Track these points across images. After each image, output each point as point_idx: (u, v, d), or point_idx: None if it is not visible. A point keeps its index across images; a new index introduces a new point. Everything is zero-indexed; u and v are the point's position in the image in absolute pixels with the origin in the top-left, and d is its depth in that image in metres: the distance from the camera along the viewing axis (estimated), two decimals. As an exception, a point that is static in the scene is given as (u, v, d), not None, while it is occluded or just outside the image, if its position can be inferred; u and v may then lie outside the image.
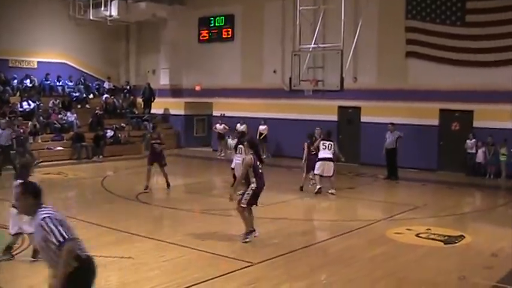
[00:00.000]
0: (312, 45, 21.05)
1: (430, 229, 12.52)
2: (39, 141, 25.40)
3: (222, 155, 27.10)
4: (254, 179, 10.88)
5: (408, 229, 12.58)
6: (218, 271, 9.18)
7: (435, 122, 23.05)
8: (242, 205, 10.93)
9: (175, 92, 31.33)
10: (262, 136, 26.32)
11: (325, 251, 11.00)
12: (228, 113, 28.30)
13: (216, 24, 29.72)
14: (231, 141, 23.02)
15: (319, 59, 21.01)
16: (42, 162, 23.40)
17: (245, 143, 11.73)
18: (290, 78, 21.15)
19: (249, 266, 9.54)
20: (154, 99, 31.24)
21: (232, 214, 12.59)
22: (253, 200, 11.02)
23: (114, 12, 29.23)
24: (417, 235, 12.09)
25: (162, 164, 17.68)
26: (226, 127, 27.46)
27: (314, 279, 9.19)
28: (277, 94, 26.11)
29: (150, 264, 9.55)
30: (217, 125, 28.25)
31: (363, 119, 24.68)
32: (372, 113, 23.97)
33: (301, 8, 21.10)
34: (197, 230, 12.17)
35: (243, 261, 9.77)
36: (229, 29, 29.21)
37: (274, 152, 26.47)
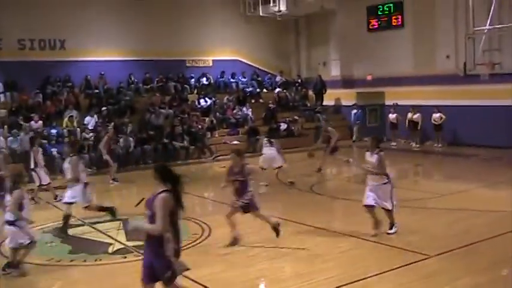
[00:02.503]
0: (487, 27, 20.04)
1: None
2: (216, 136, 26.62)
3: (394, 144, 26.62)
4: None
5: None
6: (393, 264, 9.04)
7: None
8: None
9: (346, 82, 31.24)
10: (437, 124, 25.48)
11: (508, 245, 10.27)
12: (400, 102, 27.69)
13: (385, 12, 29.24)
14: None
15: (495, 40, 20.01)
16: (219, 156, 24.45)
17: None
18: (464, 63, 20.35)
19: (425, 259, 9.28)
20: (325, 91, 31.37)
21: (412, 206, 12.33)
22: None
23: (283, 7, 29.77)
24: None
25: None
26: (399, 116, 26.96)
27: (496, 274, 8.69)
28: (451, 80, 25.01)
29: (325, 256, 9.63)
30: (390, 115, 27.81)
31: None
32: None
33: (474, -13, 20.20)
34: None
35: (419, 253, 9.53)
36: (399, 16, 28.57)
37: (450, 140, 25.50)
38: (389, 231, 10.75)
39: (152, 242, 6.38)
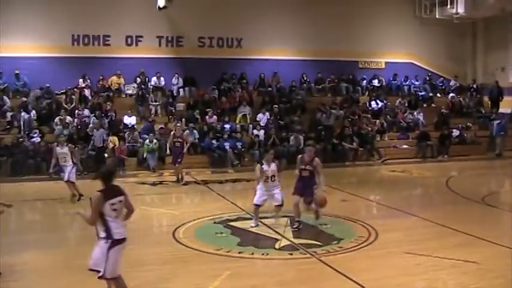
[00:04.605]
0: None
1: None
2: (386, 139, 26.33)
3: None
4: None
5: None
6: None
7: None
8: None
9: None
10: None
11: None
12: None
13: None
14: None
15: None
16: (388, 159, 24.21)
17: None
18: None
19: None
20: (502, 98, 29.86)
21: None
22: None
23: (460, 9, 28.84)
24: None
25: None
26: None
27: None
28: None
29: (497, 271, 9.21)
30: None
31: None
32: None
33: None
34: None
35: None
36: None
37: None
38: None
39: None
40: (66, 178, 15.13)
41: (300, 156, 12.61)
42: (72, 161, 15.27)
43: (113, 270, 7.11)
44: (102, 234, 7.13)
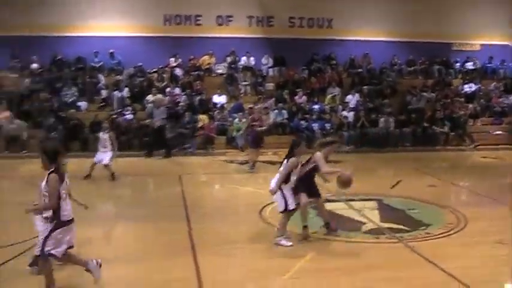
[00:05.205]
0: None
1: None
2: (479, 124, 25.53)
3: None
4: None
5: None
6: None
7: None
8: None
9: None
10: None
11: None
12: None
13: None
14: None
15: None
16: (479, 145, 23.53)
17: None
18: None
19: None
20: None
21: None
22: None
23: None
24: None
25: None
26: None
27: None
28: None
29: None
30: None
31: None
32: None
33: None
34: None
35: None
36: None
37: None
38: None
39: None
40: (104, 162, 15.56)
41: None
42: (112, 148, 15.69)
43: (56, 250, 7.05)
44: (46, 214, 7.12)
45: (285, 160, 9.68)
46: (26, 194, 12.10)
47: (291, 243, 9.56)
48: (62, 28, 25.33)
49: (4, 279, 7.89)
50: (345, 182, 9.93)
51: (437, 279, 8.15)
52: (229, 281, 8.13)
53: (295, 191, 9.76)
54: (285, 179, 9.58)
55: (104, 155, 15.57)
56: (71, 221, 7.17)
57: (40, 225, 7.46)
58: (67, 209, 7.12)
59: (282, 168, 9.65)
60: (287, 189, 9.60)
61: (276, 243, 9.57)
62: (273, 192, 9.59)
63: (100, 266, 7.50)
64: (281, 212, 9.71)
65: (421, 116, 24.43)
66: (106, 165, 15.49)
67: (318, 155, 10.00)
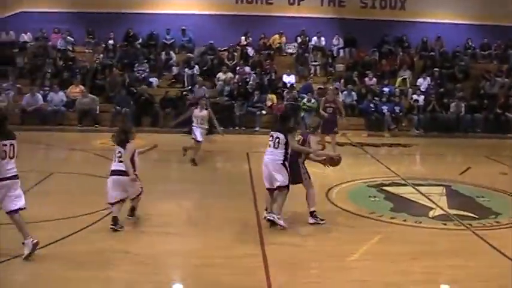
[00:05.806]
0: None
1: None
2: None
3: None
4: None
5: None
6: None
7: None
8: None
9: None
10: None
11: None
12: None
13: None
14: None
15: None
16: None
17: None
18: None
19: None
20: None
21: None
22: None
23: None
24: None
25: None
26: None
27: None
28: None
29: None
30: None
31: None
32: None
33: None
34: None
35: None
36: None
37: None
38: None
39: None
40: (199, 138, 15.49)
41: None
42: (210, 124, 15.51)
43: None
44: None
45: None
46: (96, 167, 12.64)
47: (285, 225, 9.38)
48: (136, 5, 25.91)
49: (73, 249, 8.23)
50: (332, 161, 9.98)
51: (506, 269, 8.01)
52: (294, 261, 8.18)
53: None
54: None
55: (198, 132, 15.32)
56: None
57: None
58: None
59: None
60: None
61: (273, 220, 9.30)
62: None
63: (35, 246, 7.68)
64: (280, 188, 9.42)
65: (494, 102, 23.81)
66: (198, 142, 15.59)
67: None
